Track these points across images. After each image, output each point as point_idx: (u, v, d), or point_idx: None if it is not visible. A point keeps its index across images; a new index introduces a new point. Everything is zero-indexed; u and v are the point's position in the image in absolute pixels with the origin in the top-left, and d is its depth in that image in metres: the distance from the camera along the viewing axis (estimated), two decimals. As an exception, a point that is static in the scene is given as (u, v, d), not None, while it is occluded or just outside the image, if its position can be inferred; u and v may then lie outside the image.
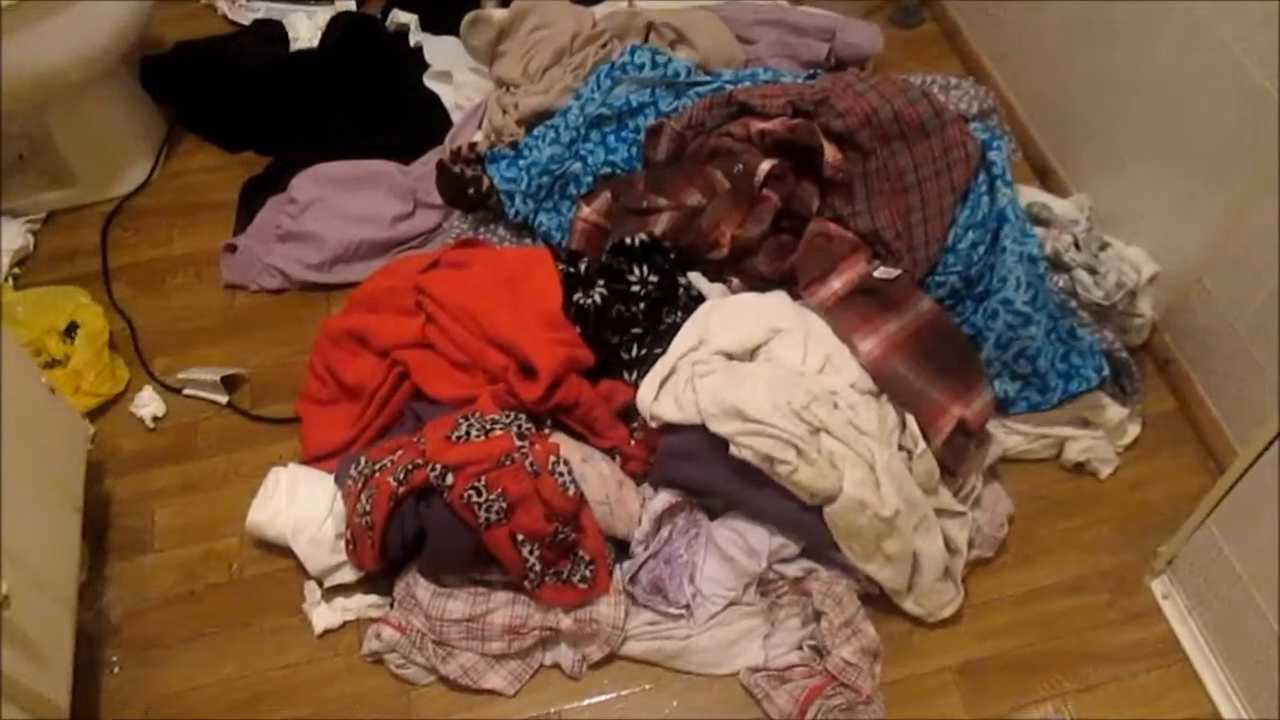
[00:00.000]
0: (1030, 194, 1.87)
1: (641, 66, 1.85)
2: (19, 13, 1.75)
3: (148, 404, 1.81)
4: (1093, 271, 1.61)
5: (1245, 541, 1.41)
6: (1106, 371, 1.59)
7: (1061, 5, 1.90)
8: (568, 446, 1.55)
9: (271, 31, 2.27)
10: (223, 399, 1.82)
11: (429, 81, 2.12)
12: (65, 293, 1.89)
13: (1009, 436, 1.67)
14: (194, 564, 1.66)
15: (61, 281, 1.97)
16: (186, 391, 1.83)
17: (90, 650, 1.57)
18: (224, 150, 2.18)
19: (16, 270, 2.00)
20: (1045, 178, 2.04)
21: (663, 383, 1.53)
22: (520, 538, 1.46)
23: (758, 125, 1.63)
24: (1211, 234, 1.64)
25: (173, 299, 1.97)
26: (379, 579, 1.59)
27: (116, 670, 1.56)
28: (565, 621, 1.50)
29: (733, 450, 1.45)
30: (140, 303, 1.96)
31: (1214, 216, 1.63)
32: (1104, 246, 1.67)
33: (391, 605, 1.57)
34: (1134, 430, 1.72)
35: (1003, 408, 1.66)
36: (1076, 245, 1.64)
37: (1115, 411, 1.66)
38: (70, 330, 1.83)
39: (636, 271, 1.60)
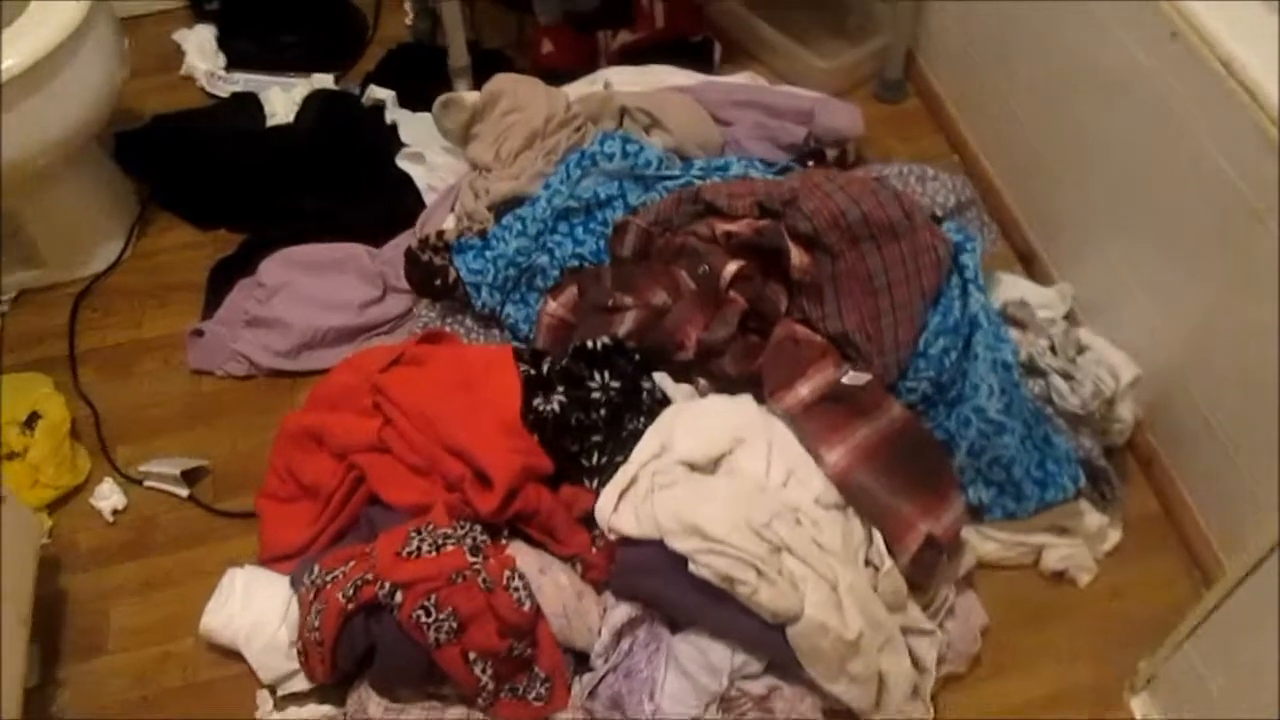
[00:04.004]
0: (1010, 284, 1.83)
1: (611, 156, 1.81)
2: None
3: (108, 496, 1.78)
4: (1068, 378, 1.56)
5: (1225, 666, 1.36)
6: (1083, 481, 1.54)
7: (1035, 77, 1.86)
8: (525, 557, 1.51)
9: (248, 106, 2.25)
10: (183, 492, 1.78)
11: (401, 162, 2.09)
12: (28, 380, 1.86)
13: (984, 543, 1.62)
14: (148, 667, 1.62)
15: (29, 365, 1.95)
16: (148, 484, 1.80)
17: (38, 761, 1.54)
18: (196, 228, 2.16)
19: (-18, 353, 1.98)
20: (1029, 263, 2.00)
21: (622, 493, 1.49)
22: (473, 656, 1.42)
23: (723, 226, 1.59)
24: (1192, 331, 1.60)
25: (139, 385, 1.94)
26: (335, 687, 1.55)
27: (65, 782, 1.53)
28: (521, 739, 1.46)
29: (692, 568, 1.41)
30: (106, 389, 1.93)
31: (1194, 314, 1.59)
32: (1081, 350, 1.62)
33: (345, 717, 1.53)
34: (1115, 536, 1.66)
35: (977, 514, 1.61)
36: (1053, 349, 1.59)
37: (1094, 519, 1.61)
38: (31, 420, 1.80)
39: (597, 377, 1.56)
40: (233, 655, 1.59)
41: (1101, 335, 1.75)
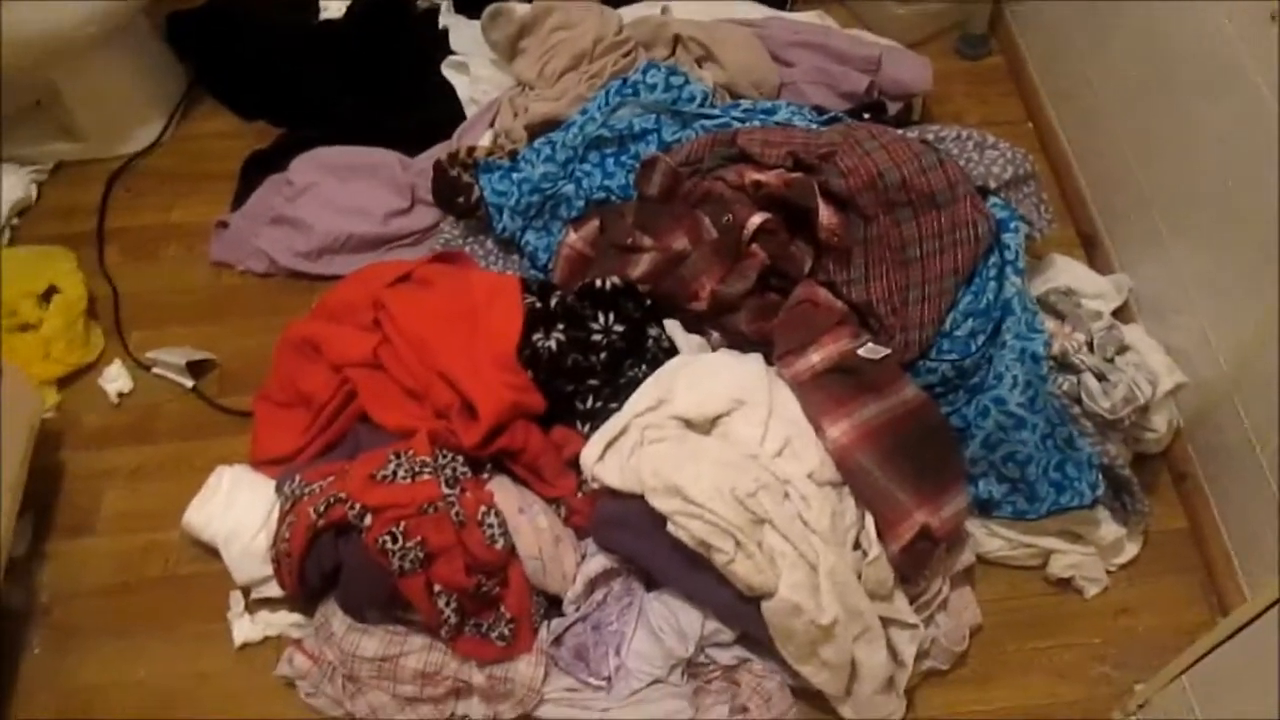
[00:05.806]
0: (1065, 266, 1.71)
1: (654, 87, 1.72)
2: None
3: (115, 379, 1.78)
4: (1102, 378, 1.45)
5: (1218, 708, 1.27)
6: (1101, 490, 1.43)
7: (1126, 53, 1.72)
8: (506, 495, 1.47)
9: (304, -4, 2.19)
10: (188, 383, 1.77)
11: (446, 71, 2.02)
12: (51, 255, 1.86)
13: (989, 539, 1.54)
14: (132, 554, 1.63)
15: (58, 238, 1.95)
16: (155, 370, 1.80)
17: (15, 628, 1.55)
18: (239, 118, 2.12)
19: (15, 221, 1.98)
20: (1091, 248, 1.87)
21: (610, 443, 1.44)
22: (437, 588, 1.39)
23: (752, 175, 1.50)
24: (1248, 348, 1.47)
25: (161, 270, 1.93)
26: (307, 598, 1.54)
27: (36, 652, 1.55)
28: (478, 677, 1.43)
29: (670, 528, 1.36)
30: (129, 270, 1.93)
31: (1252, 329, 1.46)
32: (1122, 350, 1.51)
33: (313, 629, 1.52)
34: (1132, 549, 1.56)
35: (986, 509, 1.53)
36: (1090, 346, 1.48)
37: (1110, 529, 1.52)
38: (49, 294, 1.80)
39: (601, 319, 1.50)
40: (215, 552, 1.59)
41: (1154, 336, 1.64)
